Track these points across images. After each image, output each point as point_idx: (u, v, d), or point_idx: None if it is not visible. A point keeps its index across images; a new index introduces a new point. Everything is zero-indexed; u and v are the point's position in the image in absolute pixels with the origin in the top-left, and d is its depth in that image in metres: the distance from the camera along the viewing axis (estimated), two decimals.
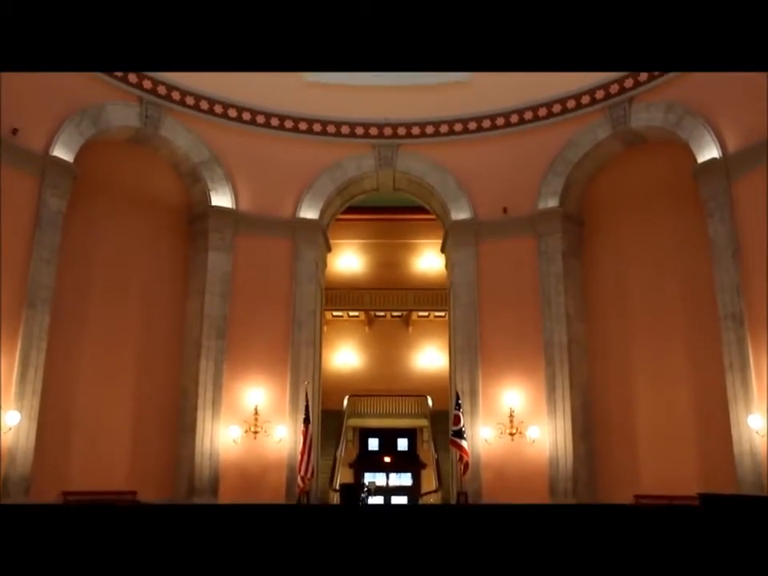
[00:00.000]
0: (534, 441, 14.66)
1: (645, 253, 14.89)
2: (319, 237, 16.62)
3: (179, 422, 14.94)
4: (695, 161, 13.37)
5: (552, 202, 15.49)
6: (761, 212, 11.91)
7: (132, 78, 14.69)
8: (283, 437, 14.94)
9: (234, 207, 15.87)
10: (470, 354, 15.44)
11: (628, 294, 15.00)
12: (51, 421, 12.84)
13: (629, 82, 14.62)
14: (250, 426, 14.83)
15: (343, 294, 27.25)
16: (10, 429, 11.68)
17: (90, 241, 14.45)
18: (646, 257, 14.85)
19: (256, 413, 14.89)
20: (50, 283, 12.79)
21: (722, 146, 12.93)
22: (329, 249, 17.71)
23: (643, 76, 14.40)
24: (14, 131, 12.45)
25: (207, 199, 15.69)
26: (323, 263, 17.28)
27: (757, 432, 11.62)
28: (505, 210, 15.99)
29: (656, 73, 14.16)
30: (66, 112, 13.50)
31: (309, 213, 16.44)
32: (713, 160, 13.01)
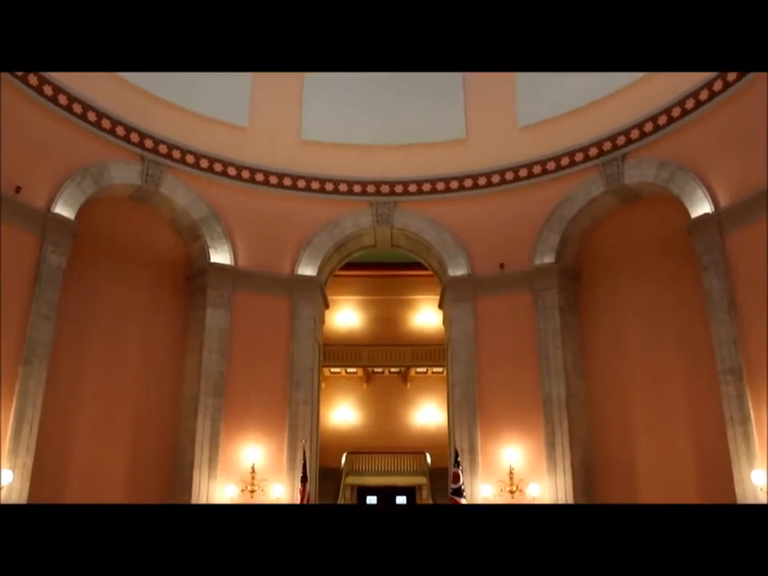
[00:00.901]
0: (534, 498, 14.44)
1: (642, 307, 14.95)
2: (317, 294, 16.67)
3: (175, 480, 14.71)
4: (689, 216, 13.54)
5: (548, 258, 15.62)
6: (755, 266, 12.02)
7: (134, 136, 14.97)
8: (280, 495, 14.70)
9: (233, 264, 15.97)
10: (468, 411, 15.33)
11: (626, 349, 14.99)
12: (45, 479, 12.64)
13: (621, 140, 14.93)
14: (247, 484, 14.61)
15: (341, 351, 27.19)
16: (2, 488, 11.49)
17: (88, 297, 14.49)
18: (643, 311, 14.91)
19: (253, 471, 14.68)
20: (48, 339, 12.77)
21: (714, 201, 13.13)
22: (327, 305, 17.75)
23: (635, 133, 14.71)
24: (18, 189, 12.62)
25: (206, 256, 15.79)
26: (321, 320, 17.28)
27: (761, 488, 11.47)
28: (502, 266, 16.10)
29: (647, 130, 14.48)
30: (68, 170, 13.71)
31: (307, 269, 16.53)
32: (705, 215, 13.18)
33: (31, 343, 12.45)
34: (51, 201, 13.31)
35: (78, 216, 13.69)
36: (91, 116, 14.23)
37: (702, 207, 13.32)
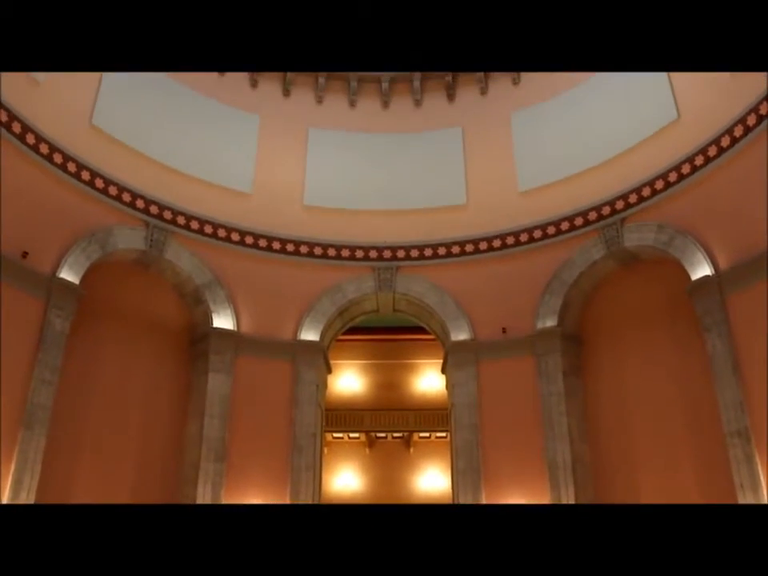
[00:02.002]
0: None
1: (646, 370, 14.87)
2: (320, 359, 16.64)
3: None
4: (689, 278, 13.62)
5: (550, 322, 15.63)
6: (757, 328, 12.04)
7: (140, 203, 15.24)
8: None
9: (236, 329, 15.99)
10: (472, 476, 15.09)
11: (631, 412, 14.84)
12: None
13: (620, 204, 15.15)
14: None
15: (344, 415, 26.96)
16: None
17: (91, 361, 14.48)
18: (648, 374, 14.82)
19: None
20: (49, 404, 12.70)
21: (714, 264, 13.22)
22: (329, 370, 17.69)
23: (633, 198, 14.94)
24: (24, 254, 12.78)
25: (209, 321, 15.83)
26: (324, 385, 17.20)
27: None
28: (504, 331, 16.11)
29: (645, 195, 14.72)
30: (74, 235, 13.91)
31: (309, 335, 16.54)
32: (705, 277, 13.26)
33: (31, 407, 12.38)
34: (57, 266, 13.45)
35: (82, 280, 13.81)
36: (99, 183, 14.52)
37: (701, 269, 13.41)
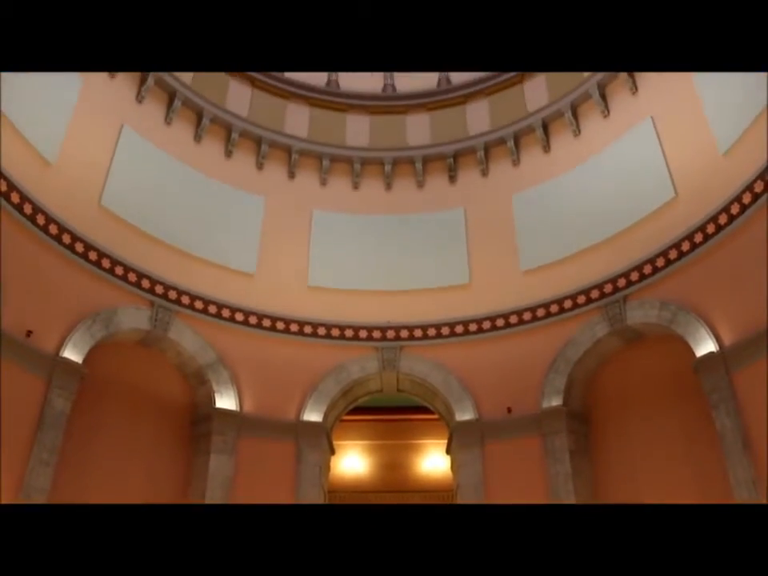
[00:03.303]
0: None
1: (654, 448, 14.61)
2: (323, 440, 16.41)
3: None
4: (694, 355, 13.56)
5: (556, 401, 15.48)
6: (766, 404, 11.88)
7: (145, 283, 15.37)
8: None
9: (238, 409, 15.86)
10: None
11: (640, 491, 14.48)
12: None
13: (621, 282, 15.24)
14: None
15: (347, 498, 26.29)
16: None
17: (91, 441, 14.28)
18: (656, 452, 14.55)
19: None
20: (46, 486, 12.44)
21: (718, 340, 13.18)
22: (332, 452, 17.42)
23: (635, 275, 15.04)
24: (29, 333, 12.80)
25: (212, 401, 15.71)
26: (327, 467, 16.91)
27: None
28: (509, 410, 15.95)
29: (646, 272, 14.82)
30: (79, 315, 13.96)
31: (312, 415, 16.38)
32: (710, 354, 13.18)
33: (27, 489, 12.13)
34: (60, 345, 13.44)
35: (85, 360, 13.79)
36: (106, 263, 14.69)
37: (706, 346, 13.36)
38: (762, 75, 12.79)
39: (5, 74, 12.88)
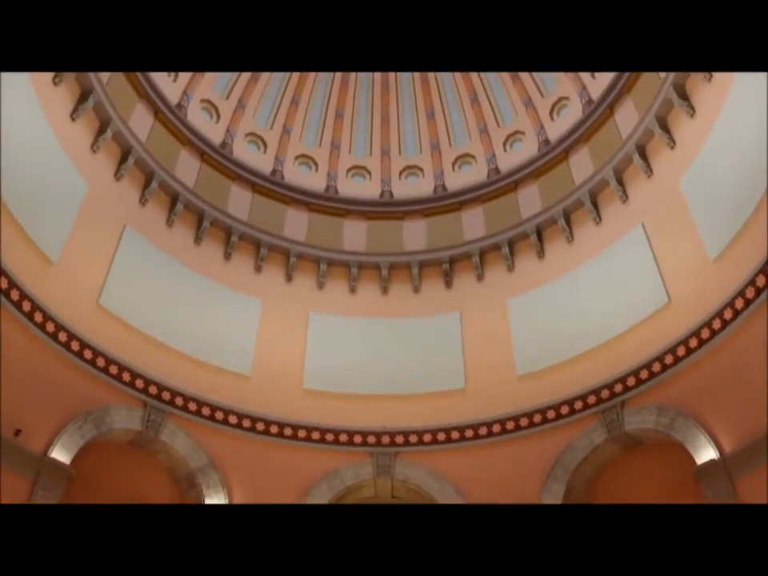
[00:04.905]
0: None
1: None
2: None
3: None
4: (694, 461, 13.32)
5: None
6: None
7: (139, 382, 15.23)
8: None
9: None
10: None
11: None
12: None
13: (618, 387, 15.17)
14: None
15: None
16: None
17: None
18: None
19: None
20: None
21: (718, 446, 12.98)
22: None
23: (631, 380, 14.99)
24: (17, 432, 12.54)
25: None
26: None
27: None
28: None
29: (643, 377, 14.78)
30: (70, 414, 13.72)
31: None
32: (712, 461, 12.95)
33: None
34: (49, 444, 13.15)
35: (74, 460, 13.47)
36: (100, 362, 14.60)
37: (706, 452, 13.15)
38: (748, 181, 13.09)
39: (11, 173, 13.17)
